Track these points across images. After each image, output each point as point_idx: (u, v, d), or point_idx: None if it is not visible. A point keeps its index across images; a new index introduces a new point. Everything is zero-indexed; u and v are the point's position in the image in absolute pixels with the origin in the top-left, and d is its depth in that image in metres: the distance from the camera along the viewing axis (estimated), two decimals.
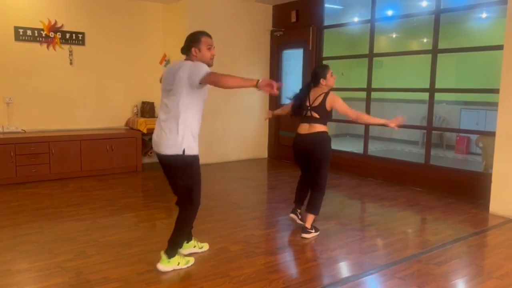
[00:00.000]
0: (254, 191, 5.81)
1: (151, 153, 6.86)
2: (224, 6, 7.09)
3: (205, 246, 3.47)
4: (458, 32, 8.20)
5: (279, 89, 2.75)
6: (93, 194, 5.23)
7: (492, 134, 4.86)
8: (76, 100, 6.51)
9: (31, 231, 3.86)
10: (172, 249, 3.06)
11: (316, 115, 3.76)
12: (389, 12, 6.62)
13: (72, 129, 6.42)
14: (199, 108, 2.99)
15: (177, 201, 3.15)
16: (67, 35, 6.33)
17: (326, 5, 6.99)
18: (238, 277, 2.97)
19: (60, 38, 6.27)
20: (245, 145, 7.67)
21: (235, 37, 7.25)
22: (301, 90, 3.95)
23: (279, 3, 7.48)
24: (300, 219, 4.05)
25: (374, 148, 7.76)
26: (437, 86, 5.65)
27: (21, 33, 5.97)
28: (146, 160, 6.85)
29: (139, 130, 6.55)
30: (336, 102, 3.74)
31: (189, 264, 3.14)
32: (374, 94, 6.47)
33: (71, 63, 6.40)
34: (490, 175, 4.76)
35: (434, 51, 5.61)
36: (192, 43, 2.98)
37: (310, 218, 3.88)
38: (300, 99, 3.86)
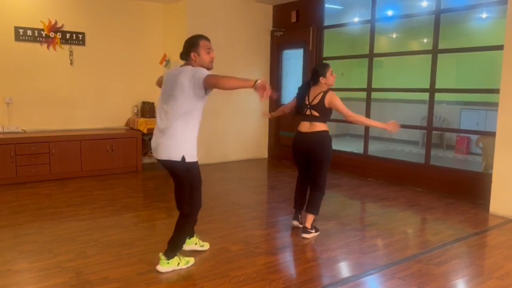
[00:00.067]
0: (254, 191, 5.81)
1: (151, 153, 6.81)
2: (224, 6, 7.09)
3: (206, 245, 3.48)
4: (458, 32, 8.20)
5: (272, 97, 2.75)
6: (93, 194, 5.23)
7: (492, 134, 4.86)
8: (76, 100, 6.51)
9: (31, 231, 3.86)
10: (171, 251, 3.06)
11: (316, 113, 3.76)
12: (389, 12, 6.62)
13: (72, 129, 6.42)
14: (198, 114, 2.97)
15: (178, 208, 3.14)
16: (67, 35, 6.33)
17: (326, 5, 6.99)
18: (238, 277, 2.97)
19: (60, 38, 6.27)
20: (245, 145, 7.67)
21: (235, 37, 7.25)
22: (300, 88, 3.95)
23: (279, 3, 7.48)
24: (301, 223, 4.03)
25: (374, 148, 7.76)
26: (437, 86, 5.65)
27: (21, 33, 5.98)
28: (146, 160, 6.85)
29: (139, 130, 6.56)
30: (334, 101, 3.72)
31: (189, 265, 3.14)
32: (374, 94, 6.47)
33: (71, 63, 6.40)
34: (490, 175, 4.76)
35: (434, 51, 5.61)
36: (191, 48, 2.97)
37: (310, 218, 3.87)
38: (300, 97, 3.86)
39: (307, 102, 3.79)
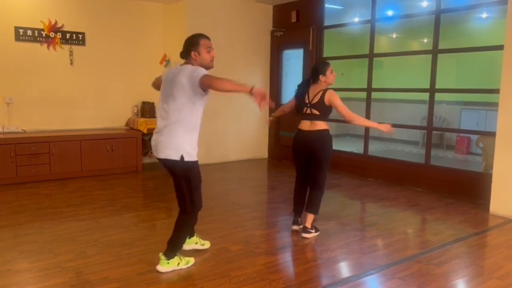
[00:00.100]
0: (254, 191, 5.81)
1: (151, 153, 6.85)
2: (224, 6, 7.09)
3: (207, 244, 3.48)
4: (458, 32, 8.20)
5: (269, 106, 2.77)
6: (94, 194, 5.23)
7: (492, 134, 4.86)
8: (77, 100, 6.51)
9: (31, 231, 3.86)
10: (171, 251, 3.06)
11: (317, 112, 3.75)
12: (389, 12, 6.62)
13: (73, 129, 6.42)
14: (198, 113, 2.97)
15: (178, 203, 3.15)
16: (67, 35, 6.33)
17: (327, 5, 6.99)
18: (238, 277, 2.97)
19: (60, 38, 6.27)
20: (245, 145, 7.67)
21: (235, 37, 7.25)
22: (300, 85, 3.93)
23: (279, 3, 7.48)
24: (301, 224, 4.01)
25: (374, 148, 7.76)
26: (437, 86, 5.65)
27: (21, 33, 5.98)
28: (146, 160, 6.86)
29: (139, 130, 6.55)
30: (334, 99, 3.72)
31: (189, 265, 3.13)
32: (374, 94, 6.47)
33: (71, 63, 6.40)
34: (491, 175, 4.76)
35: (435, 51, 5.60)
36: (191, 47, 2.97)
37: (310, 217, 3.87)
38: (300, 96, 3.85)
39: (307, 101, 3.79)
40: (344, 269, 3.31)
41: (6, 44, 5.89)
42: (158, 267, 3.05)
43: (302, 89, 3.86)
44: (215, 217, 4.36)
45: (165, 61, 7.02)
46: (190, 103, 2.89)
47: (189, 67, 2.92)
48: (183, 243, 3.20)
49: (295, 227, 3.97)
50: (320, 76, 3.78)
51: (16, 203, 4.81)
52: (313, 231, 3.87)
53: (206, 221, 4.13)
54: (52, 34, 6.20)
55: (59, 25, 6.24)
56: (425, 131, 6.17)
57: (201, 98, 2.91)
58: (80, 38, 6.43)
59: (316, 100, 3.75)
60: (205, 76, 2.79)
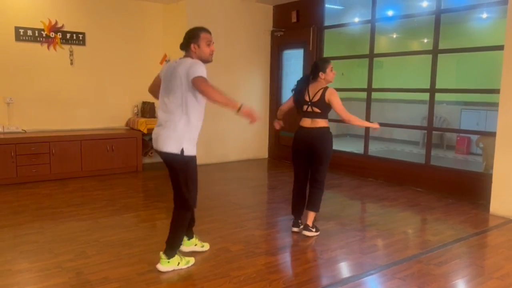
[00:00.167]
0: (254, 191, 5.81)
1: (151, 153, 6.87)
2: (225, 7, 7.09)
3: (206, 246, 3.47)
4: (458, 32, 8.19)
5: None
6: (94, 194, 5.23)
7: (492, 134, 4.86)
8: (77, 100, 6.51)
9: (31, 231, 3.86)
10: (170, 250, 3.06)
11: (318, 110, 3.75)
12: (390, 13, 6.62)
13: (73, 129, 6.42)
14: (199, 107, 2.96)
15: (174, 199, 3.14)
16: (68, 35, 6.33)
17: (327, 6, 6.99)
18: (238, 277, 2.97)
19: (60, 38, 6.27)
20: (245, 145, 7.67)
21: (235, 37, 7.25)
22: (299, 81, 3.91)
23: (279, 3, 7.48)
24: (301, 223, 4.01)
25: (375, 149, 7.76)
26: (437, 86, 5.65)
27: (21, 33, 5.98)
28: (147, 160, 6.86)
29: (139, 130, 6.55)
30: (333, 97, 3.71)
31: (189, 265, 3.13)
32: (374, 95, 6.47)
33: (71, 63, 6.40)
34: (491, 175, 4.76)
35: (435, 52, 5.60)
36: (191, 39, 2.97)
37: (311, 215, 3.88)
38: (299, 93, 3.84)
39: (307, 99, 3.79)
40: (344, 269, 3.31)
41: (6, 44, 5.89)
42: (158, 266, 3.05)
43: (301, 86, 3.85)
44: (215, 217, 4.36)
45: (165, 61, 7.02)
46: (190, 97, 2.89)
47: (188, 61, 2.91)
48: (181, 240, 3.20)
49: (295, 229, 3.96)
50: (320, 73, 3.77)
51: (16, 203, 4.81)
52: (314, 230, 3.87)
53: (206, 221, 4.13)
54: (52, 34, 6.20)
55: (59, 25, 6.24)
56: (425, 131, 6.18)
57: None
58: (80, 38, 6.43)
59: (317, 98, 3.74)
60: (199, 78, 2.78)
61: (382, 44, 9.34)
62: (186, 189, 2.99)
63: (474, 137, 7.51)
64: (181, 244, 3.23)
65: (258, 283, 2.91)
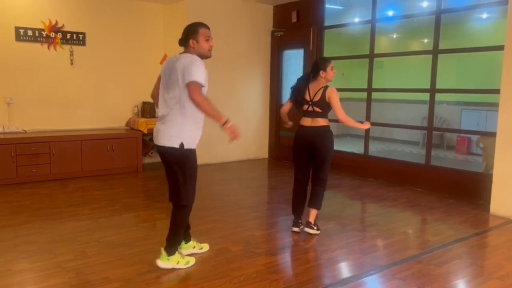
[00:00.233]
0: (254, 191, 5.81)
1: (151, 153, 6.87)
2: (225, 7, 7.09)
3: (205, 247, 3.46)
4: (458, 32, 8.20)
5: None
6: (94, 194, 5.24)
7: (492, 134, 4.86)
8: (77, 100, 6.51)
9: (31, 231, 3.86)
10: (170, 247, 3.06)
11: (318, 109, 3.76)
12: (390, 13, 6.62)
13: (73, 129, 6.42)
14: None
15: (171, 200, 3.13)
16: (68, 35, 6.33)
17: (327, 6, 6.99)
18: (238, 278, 2.97)
19: (60, 38, 6.28)
20: (246, 145, 7.66)
21: (235, 37, 7.25)
22: (299, 79, 3.91)
23: (279, 4, 7.48)
24: (302, 224, 4.01)
25: (375, 149, 7.76)
26: (437, 86, 5.65)
27: (22, 33, 5.98)
28: (147, 160, 6.86)
29: (139, 130, 6.55)
30: (332, 97, 3.71)
31: (189, 265, 3.13)
32: (374, 95, 6.47)
33: (71, 63, 6.40)
34: (491, 175, 4.76)
35: (435, 52, 5.60)
36: (190, 35, 2.97)
37: (313, 213, 3.89)
38: (299, 91, 3.84)
39: (308, 98, 3.79)
40: (345, 269, 3.31)
41: (6, 44, 5.89)
42: (157, 262, 3.06)
43: (301, 84, 3.85)
44: (216, 217, 4.36)
45: (166, 61, 7.02)
46: (186, 92, 2.88)
47: (186, 57, 2.91)
48: (181, 238, 3.20)
49: (296, 229, 3.96)
50: (321, 72, 3.78)
51: (16, 203, 4.81)
52: (315, 228, 3.88)
53: (206, 221, 4.13)
54: (52, 34, 6.20)
55: (59, 25, 6.24)
56: (426, 132, 6.17)
57: None
58: (81, 38, 6.43)
59: (317, 97, 3.75)
60: (193, 85, 2.79)
61: (382, 44, 9.34)
62: (184, 184, 2.99)
63: (474, 137, 7.51)
64: (181, 241, 3.23)
65: (258, 283, 2.91)
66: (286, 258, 3.49)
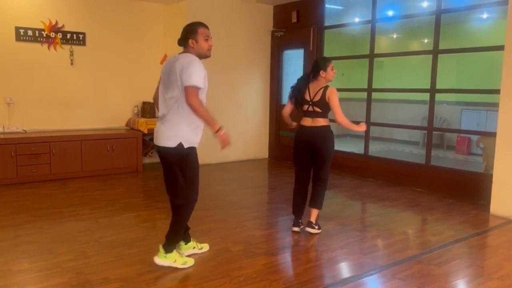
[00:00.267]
0: (254, 191, 5.81)
1: (151, 153, 6.87)
2: (225, 7, 7.09)
3: (205, 247, 3.46)
4: (459, 32, 8.20)
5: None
6: (94, 194, 5.24)
7: (493, 134, 4.86)
8: (77, 100, 6.52)
9: (31, 231, 3.86)
10: (169, 244, 3.07)
11: (319, 110, 3.76)
12: (390, 13, 6.62)
13: (73, 129, 6.42)
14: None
15: (172, 201, 3.14)
16: (68, 36, 6.33)
17: (327, 6, 6.99)
18: (238, 278, 2.97)
19: (61, 38, 6.28)
20: (246, 145, 7.67)
21: (235, 37, 7.25)
22: (300, 79, 3.91)
23: (279, 4, 7.48)
24: (302, 225, 4.02)
25: (375, 149, 7.76)
26: (438, 86, 5.65)
27: (22, 33, 5.98)
28: (147, 160, 6.85)
29: (139, 131, 6.55)
30: (332, 97, 3.71)
31: (186, 266, 3.12)
32: (374, 95, 6.47)
33: (71, 63, 6.40)
34: (491, 175, 4.76)
35: (435, 52, 5.60)
36: (189, 34, 2.97)
37: (315, 212, 3.90)
38: (300, 91, 3.84)
39: (308, 98, 3.79)
40: (345, 269, 3.31)
41: (6, 44, 5.89)
42: (155, 258, 3.07)
43: (301, 83, 3.85)
44: (216, 217, 4.36)
45: (166, 61, 7.02)
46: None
47: (185, 57, 2.91)
48: (181, 237, 3.21)
49: (296, 229, 3.96)
50: (321, 72, 3.78)
51: (16, 203, 4.81)
52: (317, 227, 3.89)
53: (206, 222, 4.13)
54: (52, 34, 6.20)
55: (59, 25, 6.24)
56: (426, 132, 6.17)
57: None
58: (81, 38, 6.43)
59: (317, 98, 3.75)
60: (191, 89, 2.81)
61: (383, 44, 9.34)
62: (185, 184, 2.99)
63: (475, 138, 7.51)
64: (180, 240, 3.24)
65: (258, 283, 2.91)
66: (286, 258, 3.49)
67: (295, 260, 3.46)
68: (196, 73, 2.83)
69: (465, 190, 5.27)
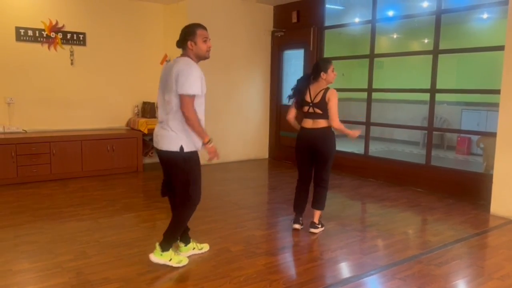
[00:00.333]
0: (254, 191, 5.80)
1: (151, 153, 6.87)
2: (225, 7, 7.09)
3: (205, 247, 3.46)
4: (459, 32, 8.20)
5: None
6: (94, 194, 5.24)
7: (493, 134, 4.86)
8: (77, 100, 6.52)
9: (32, 231, 3.86)
10: (166, 242, 3.07)
11: (319, 111, 3.76)
12: (390, 13, 6.62)
13: (73, 129, 6.42)
14: (197, 103, 2.96)
15: (172, 201, 3.17)
16: (68, 36, 6.33)
17: (327, 6, 6.99)
18: (238, 278, 2.97)
19: (61, 39, 6.28)
20: (246, 145, 7.67)
21: (236, 37, 7.25)
22: (300, 80, 3.92)
23: (280, 4, 7.48)
24: (302, 224, 4.03)
25: (375, 149, 7.76)
26: (438, 86, 5.65)
27: (22, 33, 5.98)
28: (147, 160, 6.85)
29: (139, 131, 6.55)
30: (332, 98, 3.71)
31: (181, 264, 3.12)
32: (375, 95, 6.47)
33: (72, 64, 6.40)
34: (491, 175, 4.75)
35: (435, 52, 5.60)
36: (188, 36, 2.97)
37: (317, 213, 3.93)
38: (300, 92, 3.84)
39: (309, 100, 3.79)
40: (345, 269, 3.31)
41: (7, 44, 5.89)
42: (151, 256, 3.07)
43: (301, 85, 3.86)
44: (216, 217, 4.36)
45: (166, 61, 7.02)
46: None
47: (183, 63, 2.91)
48: (178, 236, 3.22)
49: (296, 226, 3.98)
50: (322, 73, 3.78)
51: (16, 203, 4.81)
52: (320, 226, 3.92)
53: (206, 222, 4.13)
54: (53, 34, 6.20)
55: (60, 25, 6.24)
56: (426, 132, 6.17)
57: None
58: (81, 38, 6.44)
59: (318, 99, 3.75)
60: (186, 98, 2.84)
61: (383, 45, 9.34)
62: (187, 186, 2.99)
63: (475, 138, 7.51)
64: (177, 239, 3.25)
65: (259, 283, 2.91)
66: (286, 258, 3.49)
67: (295, 260, 3.46)
68: (191, 80, 2.85)
69: (465, 190, 5.26)
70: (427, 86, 5.73)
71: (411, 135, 9.23)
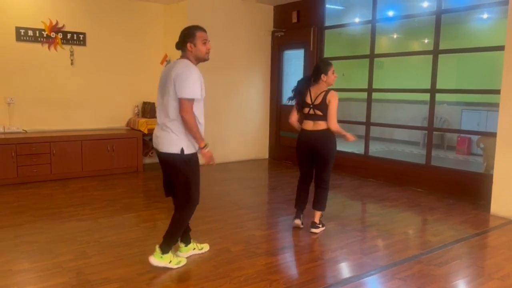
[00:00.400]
0: (254, 191, 5.81)
1: (152, 153, 6.87)
2: (225, 7, 7.10)
3: (205, 247, 3.46)
4: (459, 32, 8.20)
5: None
6: (94, 194, 5.24)
7: (493, 135, 4.86)
8: (77, 100, 6.52)
9: (32, 231, 3.86)
10: (166, 245, 3.07)
11: (320, 113, 3.77)
12: (390, 13, 6.62)
13: (73, 129, 6.42)
14: (196, 105, 2.96)
15: (173, 201, 3.17)
16: (68, 36, 6.33)
17: (327, 6, 6.99)
18: (238, 278, 2.97)
19: (61, 39, 6.28)
20: (246, 145, 7.67)
21: (236, 37, 7.25)
22: (300, 81, 3.93)
23: (280, 4, 7.48)
24: (303, 222, 4.04)
25: (375, 149, 7.76)
26: (438, 86, 5.65)
27: (22, 33, 5.98)
28: (147, 160, 6.85)
29: (140, 131, 6.55)
30: (332, 100, 3.73)
31: (180, 265, 3.13)
32: (375, 95, 6.47)
33: (72, 64, 6.40)
34: (491, 176, 4.75)
35: (435, 52, 5.60)
36: (187, 38, 2.97)
37: (318, 214, 3.95)
38: (301, 94, 3.85)
39: (309, 102, 3.80)
40: (345, 269, 3.31)
41: (7, 44, 5.89)
42: (150, 258, 3.06)
43: (302, 86, 3.87)
44: (216, 217, 4.36)
45: (166, 61, 7.02)
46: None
47: (182, 65, 2.91)
48: (178, 238, 3.21)
49: (297, 221, 4.00)
50: (322, 76, 3.79)
51: (16, 203, 4.81)
52: (321, 226, 3.94)
53: (206, 222, 4.13)
54: (53, 34, 6.20)
55: (60, 25, 6.24)
56: (426, 132, 6.17)
57: None
58: (81, 38, 6.44)
59: (318, 101, 3.76)
60: (184, 102, 2.85)
61: (383, 45, 9.34)
62: (188, 187, 2.99)
63: (475, 138, 7.51)
64: (177, 241, 3.24)
65: (259, 283, 2.91)
66: (286, 258, 3.49)
67: (295, 260, 3.46)
68: (190, 84, 2.85)
69: (465, 190, 5.26)
70: (427, 86, 5.73)
71: (411, 135, 9.23)
